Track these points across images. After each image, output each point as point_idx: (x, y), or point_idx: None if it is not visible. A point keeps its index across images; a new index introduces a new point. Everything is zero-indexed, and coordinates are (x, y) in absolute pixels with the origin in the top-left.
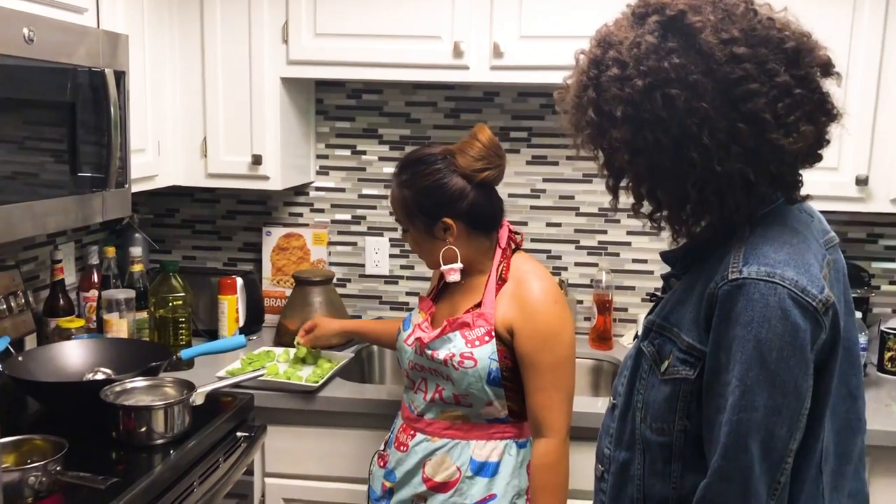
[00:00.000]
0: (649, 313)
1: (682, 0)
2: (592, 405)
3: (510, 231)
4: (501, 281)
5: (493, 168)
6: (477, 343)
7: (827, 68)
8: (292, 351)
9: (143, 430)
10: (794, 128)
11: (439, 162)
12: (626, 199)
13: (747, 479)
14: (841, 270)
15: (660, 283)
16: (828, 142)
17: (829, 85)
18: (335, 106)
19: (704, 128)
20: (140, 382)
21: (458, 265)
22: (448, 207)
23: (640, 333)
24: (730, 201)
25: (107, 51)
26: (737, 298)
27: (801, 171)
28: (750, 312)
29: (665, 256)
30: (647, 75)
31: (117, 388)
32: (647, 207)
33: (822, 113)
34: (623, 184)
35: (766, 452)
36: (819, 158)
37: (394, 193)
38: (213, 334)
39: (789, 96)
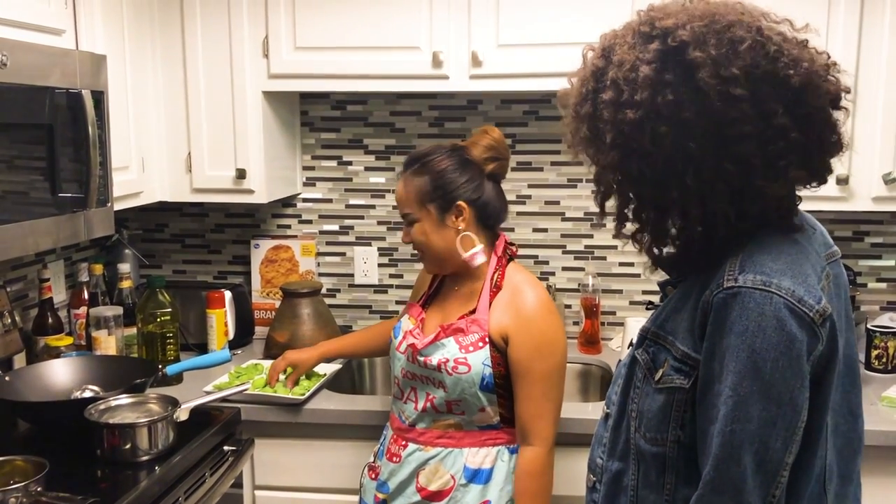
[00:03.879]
0: (646, 321)
1: (686, 29)
2: (581, 410)
3: (506, 241)
4: (496, 289)
5: (500, 160)
6: (471, 349)
7: (835, 102)
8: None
9: (128, 447)
10: (782, 172)
11: (452, 151)
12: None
13: (740, 492)
14: (843, 286)
15: (647, 287)
16: (829, 172)
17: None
18: (320, 117)
19: (689, 168)
20: (125, 399)
21: (480, 246)
22: (463, 191)
23: (634, 341)
24: (715, 233)
25: (85, 71)
26: (732, 307)
27: (797, 197)
28: (745, 321)
29: (662, 263)
30: (639, 107)
31: (101, 406)
32: (629, 227)
33: (821, 151)
34: (609, 201)
35: (759, 465)
36: (822, 182)
37: (402, 187)
38: (202, 348)
39: (784, 139)
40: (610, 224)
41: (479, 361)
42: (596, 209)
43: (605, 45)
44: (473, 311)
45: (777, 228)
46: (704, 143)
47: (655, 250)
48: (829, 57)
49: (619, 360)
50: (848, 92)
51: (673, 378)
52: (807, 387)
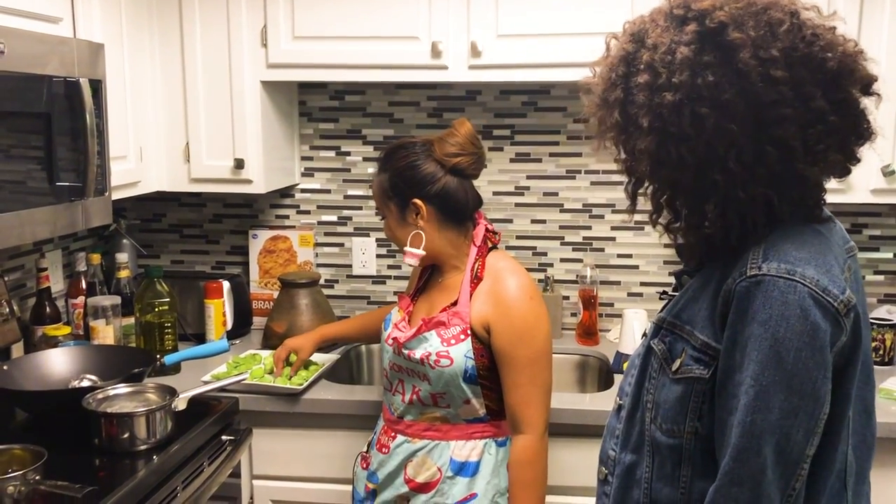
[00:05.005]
0: (661, 311)
1: (724, 10)
2: (579, 401)
3: (487, 230)
4: (477, 279)
5: (466, 155)
6: (453, 342)
7: (867, 88)
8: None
9: (126, 436)
10: (821, 157)
11: (417, 148)
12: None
13: (759, 484)
14: (859, 281)
15: (645, 279)
16: (858, 160)
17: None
18: (318, 108)
19: (731, 151)
20: (123, 389)
21: (420, 251)
22: (419, 189)
23: (648, 332)
24: (750, 220)
25: (83, 60)
26: (755, 295)
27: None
28: (768, 310)
29: (691, 252)
30: (678, 89)
31: (100, 396)
32: (664, 217)
33: (856, 136)
34: (641, 190)
35: (779, 456)
36: (847, 173)
37: (373, 181)
38: (201, 338)
39: (822, 123)
40: (608, 215)
41: (461, 354)
42: (627, 211)
43: (635, 30)
44: (455, 303)
45: (802, 218)
46: (745, 126)
47: (690, 238)
48: (856, 44)
49: (632, 353)
50: (876, 80)
51: (692, 368)
52: (829, 378)
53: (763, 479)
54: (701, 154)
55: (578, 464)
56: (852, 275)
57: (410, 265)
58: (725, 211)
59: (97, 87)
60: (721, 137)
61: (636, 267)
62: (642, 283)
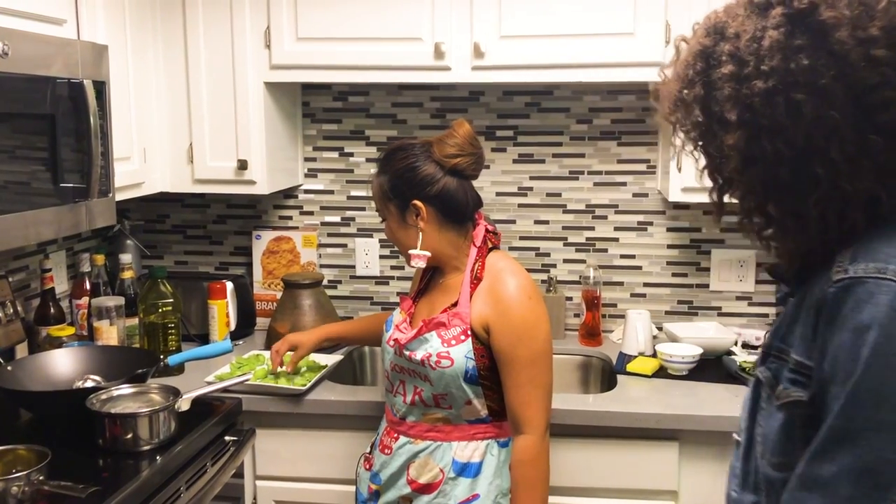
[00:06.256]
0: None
1: None
2: (582, 402)
3: (487, 231)
4: (477, 280)
5: (465, 156)
6: (453, 342)
7: None
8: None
9: (129, 437)
10: None
11: (416, 149)
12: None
13: (834, 496)
14: None
15: (648, 279)
16: None
17: None
18: (322, 108)
19: (833, 140)
20: (126, 389)
21: (426, 253)
22: (418, 190)
23: (757, 361)
24: (849, 219)
25: (87, 61)
26: (843, 300)
27: None
28: (858, 315)
29: (776, 272)
30: (769, 76)
31: (103, 396)
32: (757, 222)
33: None
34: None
35: (865, 476)
36: None
37: (373, 183)
38: (204, 339)
39: None
40: (611, 216)
41: (462, 355)
42: (714, 219)
43: (711, 25)
44: (456, 304)
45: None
46: (846, 113)
47: (787, 244)
48: None
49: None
50: None
51: (790, 391)
52: None
53: (838, 494)
54: (799, 146)
55: (581, 464)
56: None
57: (417, 267)
58: (826, 211)
59: (101, 88)
60: (821, 126)
61: (639, 268)
62: (645, 284)
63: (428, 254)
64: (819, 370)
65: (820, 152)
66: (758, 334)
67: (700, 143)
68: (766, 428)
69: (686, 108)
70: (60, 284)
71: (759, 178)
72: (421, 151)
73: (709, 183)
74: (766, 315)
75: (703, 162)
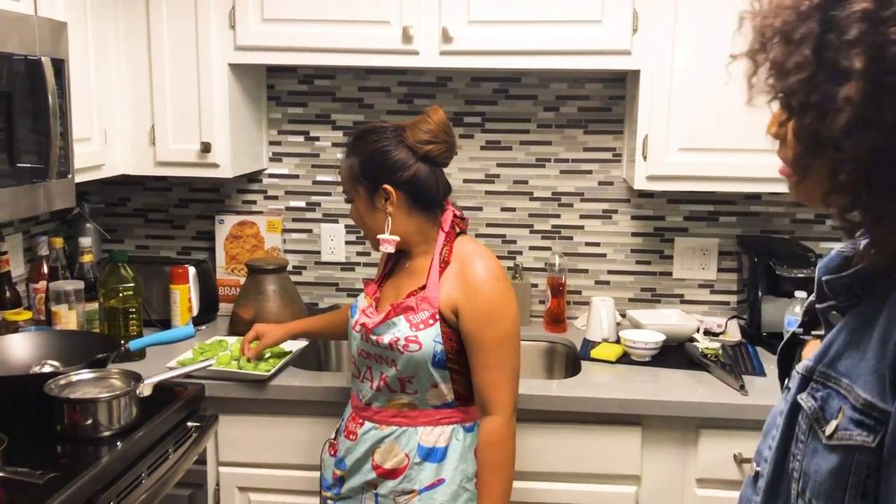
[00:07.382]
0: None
1: None
2: (546, 388)
3: (455, 216)
4: (444, 264)
5: (438, 143)
6: (421, 326)
7: None
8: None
9: (89, 422)
10: None
11: (388, 133)
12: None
13: None
14: None
15: (612, 267)
16: None
17: None
18: (287, 91)
19: None
20: (86, 375)
21: (395, 238)
22: (390, 174)
23: (793, 384)
24: None
25: (45, 38)
26: None
27: None
28: None
29: (830, 284)
30: None
31: (62, 381)
32: (843, 200)
33: None
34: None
35: None
36: None
37: (342, 164)
38: (166, 324)
39: None
40: (577, 203)
41: (430, 339)
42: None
43: None
44: (423, 288)
45: None
46: None
47: (880, 231)
48: None
49: (772, 411)
50: None
51: (852, 433)
52: None
53: None
54: None
55: (545, 449)
56: None
57: (386, 252)
58: None
59: (60, 66)
60: None
61: (604, 255)
62: (610, 272)
63: (397, 238)
64: None
65: None
66: (719, 321)
67: (797, 92)
68: (808, 466)
69: (791, 46)
70: (17, 268)
71: (870, 145)
72: (393, 136)
73: (775, 145)
74: (727, 303)
75: (785, 116)
